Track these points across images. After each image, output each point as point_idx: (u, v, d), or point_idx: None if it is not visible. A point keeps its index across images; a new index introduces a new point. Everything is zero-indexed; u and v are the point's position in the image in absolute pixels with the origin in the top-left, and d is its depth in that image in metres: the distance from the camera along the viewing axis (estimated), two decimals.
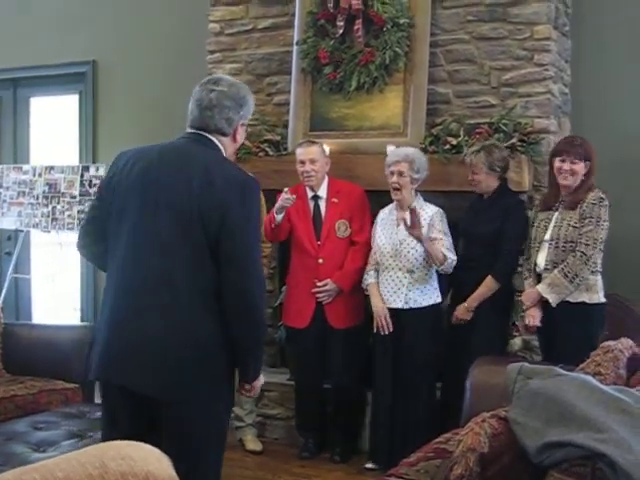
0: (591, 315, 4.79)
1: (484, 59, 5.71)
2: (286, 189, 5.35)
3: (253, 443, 5.76)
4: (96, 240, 3.26)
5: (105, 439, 2.32)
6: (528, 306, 4.88)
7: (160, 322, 3.01)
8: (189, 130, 3.26)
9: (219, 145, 3.22)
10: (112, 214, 3.15)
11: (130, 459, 1.72)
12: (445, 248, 5.15)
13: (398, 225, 5.27)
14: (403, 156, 5.21)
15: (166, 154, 3.18)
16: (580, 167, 4.79)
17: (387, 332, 5.23)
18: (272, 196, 5.70)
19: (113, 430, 3.09)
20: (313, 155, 5.47)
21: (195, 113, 3.22)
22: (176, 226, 3.02)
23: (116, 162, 3.26)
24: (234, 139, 3.27)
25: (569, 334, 4.73)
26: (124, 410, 3.10)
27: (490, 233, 5.12)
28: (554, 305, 4.75)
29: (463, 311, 5.16)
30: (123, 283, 3.11)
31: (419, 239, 5.06)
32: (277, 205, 5.37)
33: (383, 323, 5.23)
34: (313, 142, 5.58)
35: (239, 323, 3.06)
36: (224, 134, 3.22)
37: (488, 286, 5.12)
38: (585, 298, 4.75)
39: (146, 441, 1.91)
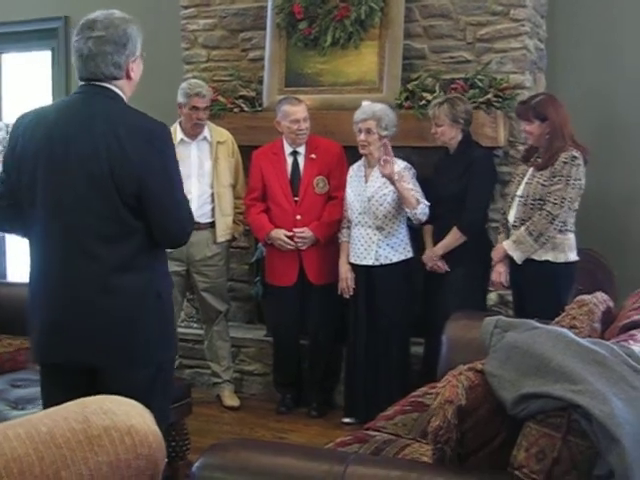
0: (556, 274, 4.79)
1: (460, 14, 5.69)
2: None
3: (230, 399, 5.79)
4: (12, 214, 3.14)
5: None
6: (495, 262, 4.92)
7: (86, 290, 2.98)
8: (81, 83, 3.11)
9: (116, 90, 3.08)
10: (23, 182, 3.05)
11: (112, 413, 1.73)
12: (412, 194, 5.14)
13: (366, 182, 5.28)
14: (370, 113, 5.20)
15: (65, 114, 3.06)
16: (534, 127, 4.79)
17: (348, 295, 5.32)
18: (245, 152, 5.70)
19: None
20: (305, 113, 5.47)
21: (79, 65, 3.06)
22: (89, 187, 2.95)
23: (16, 127, 3.14)
24: (128, 77, 3.11)
25: (534, 292, 4.78)
26: (63, 386, 3.05)
27: (456, 191, 5.12)
28: (519, 262, 4.79)
29: (428, 258, 5.22)
30: (45, 256, 3.07)
31: (390, 178, 5.04)
32: (273, 239, 5.49)
33: (343, 286, 5.32)
34: (299, 100, 5.55)
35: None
36: (116, 78, 3.07)
37: (454, 236, 5.15)
38: (550, 257, 4.76)
39: None
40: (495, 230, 5.27)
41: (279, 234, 5.45)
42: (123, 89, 3.12)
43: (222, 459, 2.56)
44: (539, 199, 4.74)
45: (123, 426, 1.72)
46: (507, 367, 2.41)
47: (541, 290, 4.75)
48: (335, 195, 5.52)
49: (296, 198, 5.52)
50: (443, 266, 5.19)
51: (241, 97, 6.17)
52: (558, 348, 2.37)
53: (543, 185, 4.74)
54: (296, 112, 5.45)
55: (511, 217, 4.90)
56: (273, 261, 5.68)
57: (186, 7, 6.53)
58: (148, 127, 3.05)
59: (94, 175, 2.94)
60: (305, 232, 5.44)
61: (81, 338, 3.02)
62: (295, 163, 5.56)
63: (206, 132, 5.55)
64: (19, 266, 7.98)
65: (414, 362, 5.39)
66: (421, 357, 5.40)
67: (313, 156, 5.52)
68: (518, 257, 4.78)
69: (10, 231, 3.38)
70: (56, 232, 3.01)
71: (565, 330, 2.58)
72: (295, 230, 5.45)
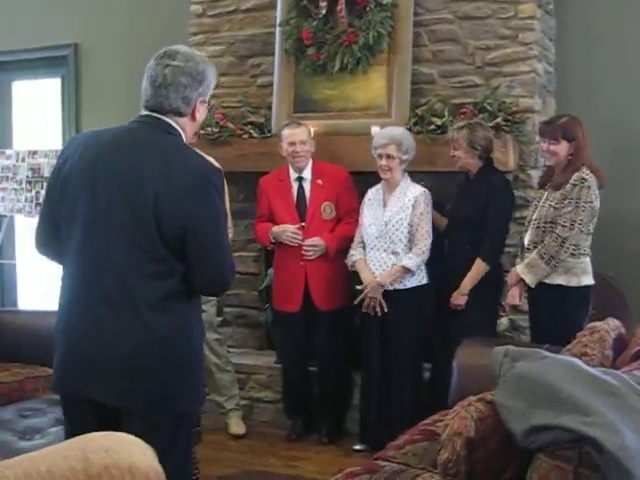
0: (569, 298, 4.74)
1: (468, 39, 5.69)
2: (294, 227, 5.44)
3: (236, 426, 5.74)
4: (53, 238, 3.03)
5: None
6: (509, 285, 4.89)
7: (117, 325, 2.84)
8: (143, 112, 3.00)
9: (177, 128, 2.97)
10: (64, 205, 2.94)
11: (113, 451, 1.70)
12: (421, 233, 5.16)
13: (385, 206, 5.26)
14: (390, 138, 5.18)
15: (118, 141, 2.95)
16: (560, 148, 4.76)
17: (380, 313, 5.23)
18: (254, 178, 5.70)
19: None
20: (303, 136, 5.47)
21: (149, 92, 2.95)
22: (131, 221, 2.82)
23: (66, 149, 3.04)
24: (193, 118, 3.01)
25: (547, 316, 4.75)
26: (87, 423, 2.84)
27: (474, 216, 5.09)
28: (532, 286, 4.76)
29: (457, 296, 5.13)
30: (77, 289, 2.94)
31: None
32: (279, 236, 5.48)
33: (375, 304, 5.22)
34: (299, 123, 5.58)
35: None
36: (181, 114, 2.97)
37: (478, 269, 5.09)
38: (562, 280, 4.72)
39: None
40: (509, 255, 5.25)
41: (282, 227, 5.46)
42: (185, 128, 3.01)
43: None
44: (550, 222, 4.73)
45: (123, 464, 1.69)
46: (517, 398, 2.38)
47: (554, 314, 4.71)
48: (346, 219, 5.52)
49: (303, 224, 5.50)
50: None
51: (250, 123, 6.16)
52: (568, 378, 2.34)
53: (555, 208, 4.72)
54: (293, 135, 5.46)
55: (526, 241, 4.89)
56: (278, 287, 5.66)
57: (195, 34, 6.55)
58: (205, 172, 2.92)
59: (138, 213, 2.82)
60: (316, 241, 5.42)
61: (104, 375, 2.87)
62: (301, 188, 5.55)
63: None
64: (29, 294, 8.00)
65: (424, 388, 5.34)
66: (428, 383, 5.36)
67: (320, 182, 5.51)
68: (530, 280, 4.75)
69: (45, 254, 3.17)
70: (91, 262, 2.89)
71: (576, 360, 2.55)
72: (307, 241, 5.44)
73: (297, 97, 6.10)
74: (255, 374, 6.07)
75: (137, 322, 2.84)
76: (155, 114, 2.96)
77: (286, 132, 5.52)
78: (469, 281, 5.10)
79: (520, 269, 4.79)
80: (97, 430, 2.58)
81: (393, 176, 5.23)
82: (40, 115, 8.15)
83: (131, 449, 1.73)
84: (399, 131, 5.26)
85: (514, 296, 4.87)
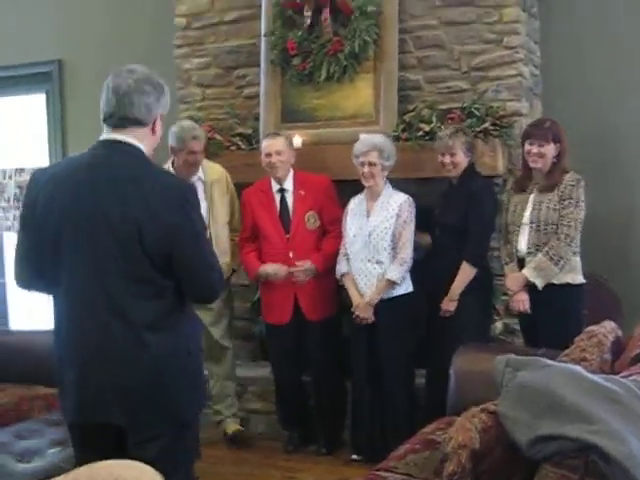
0: (576, 296, 4.82)
1: (453, 44, 5.69)
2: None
3: (234, 425, 5.77)
4: (35, 272, 3.07)
5: None
6: (515, 291, 4.87)
7: (115, 349, 2.92)
8: (106, 135, 3.05)
9: (139, 146, 3.02)
10: (46, 242, 2.99)
11: (122, 479, 1.69)
12: (403, 241, 5.15)
13: (368, 216, 5.25)
14: (371, 145, 5.17)
15: (91, 172, 2.99)
16: (548, 149, 4.80)
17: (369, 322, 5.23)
18: (244, 190, 5.69)
19: None
20: (278, 147, 5.41)
21: (112, 102, 2.99)
22: (117, 249, 2.90)
23: (33, 188, 3.06)
24: (153, 131, 3.08)
25: (555, 316, 4.75)
26: (93, 446, 3.03)
27: (457, 221, 5.08)
28: (540, 288, 4.75)
29: (447, 302, 5.12)
30: (71, 315, 3.01)
31: None
32: (261, 277, 5.49)
33: (364, 317, 5.21)
34: (277, 134, 5.55)
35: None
36: (143, 124, 3.02)
37: (465, 272, 5.08)
38: (569, 279, 4.79)
39: None
40: (496, 259, 5.24)
41: (266, 269, 5.44)
42: (144, 141, 3.05)
43: None
44: (552, 223, 4.76)
45: None
46: (520, 408, 2.37)
47: (563, 314, 4.75)
48: (330, 229, 5.50)
49: (287, 235, 5.47)
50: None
51: (238, 135, 6.15)
52: (571, 386, 2.34)
53: (555, 209, 4.76)
54: (268, 146, 5.43)
55: (522, 245, 4.88)
56: (267, 299, 5.64)
57: (179, 47, 6.53)
58: (177, 189, 3.01)
59: (122, 239, 2.90)
60: (306, 264, 5.40)
61: (107, 398, 2.95)
62: (283, 199, 5.52)
63: (200, 172, 5.50)
64: (21, 314, 7.95)
65: (418, 395, 5.33)
66: (423, 389, 5.35)
67: (302, 192, 5.48)
68: (540, 283, 4.76)
69: (33, 289, 3.23)
70: (82, 291, 2.96)
71: (577, 367, 2.54)
72: (297, 264, 5.41)
73: (284, 107, 6.08)
74: (250, 385, 6.05)
75: (135, 344, 2.92)
76: (115, 135, 3.02)
77: (263, 144, 5.52)
78: (458, 285, 5.09)
79: (528, 273, 4.78)
80: (111, 454, 2.72)
81: (376, 183, 5.20)
82: (25, 132, 8.11)
83: (140, 477, 1.71)
84: (379, 138, 5.24)
85: (523, 301, 4.85)
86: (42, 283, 3.10)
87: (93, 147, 3.08)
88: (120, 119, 3.01)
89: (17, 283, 3.15)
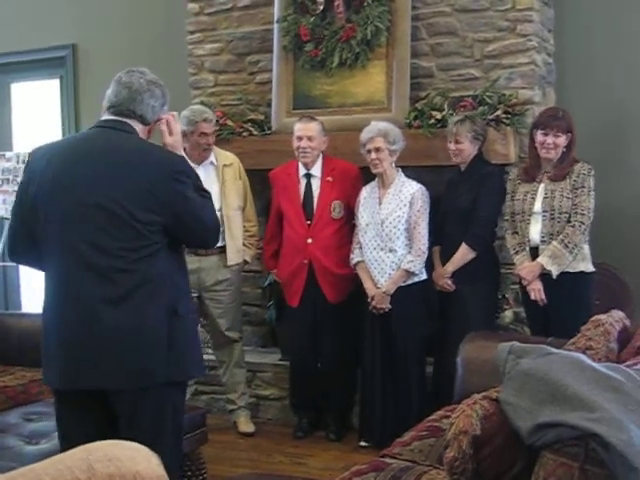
0: (589, 283, 4.86)
1: (466, 31, 5.67)
2: None
3: (246, 425, 5.73)
4: (27, 247, 3.19)
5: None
6: (529, 280, 4.85)
7: (97, 307, 3.00)
8: (107, 117, 3.18)
9: (133, 125, 3.16)
10: (39, 217, 3.08)
11: (117, 460, 1.69)
12: (418, 231, 5.15)
13: (380, 203, 5.24)
14: (376, 131, 5.17)
15: (83, 148, 3.13)
16: (562, 140, 4.81)
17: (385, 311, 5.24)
18: (255, 176, 5.69)
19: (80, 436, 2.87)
20: (311, 132, 5.41)
21: (123, 94, 3.13)
22: (109, 222, 3.00)
23: (30, 163, 3.19)
24: (148, 133, 3.24)
25: (568, 304, 4.75)
26: (78, 412, 3.14)
27: (466, 207, 5.11)
28: (555, 276, 4.75)
29: (438, 276, 5.18)
30: (60, 287, 3.09)
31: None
32: None
33: (381, 307, 5.21)
34: (313, 118, 5.51)
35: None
36: (145, 122, 3.18)
37: (462, 253, 5.12)
38: (582, 267, 4.81)
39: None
40: (503, 248, 5.23)
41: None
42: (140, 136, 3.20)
43: None
44: (565, 212, 4.77)
45: (128, 472, 1.69)
46: (522, 395, 2.37)
47: (578, 301, 4.75)
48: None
49: (308, 222, 5.46)
50: (451, 285, 5.14)
51: (250, 121, 6.16)
52: (573, 375, 2.33)
53: (568, 198, 4.76)
54: (300, 129, 5.42)
55: (535, 234, 4.86)
56: (284, 281, 5.64)
57: (192, 32, 6.54)
58: (170, 162, 3.11)
59: (114, 212, 2.99)
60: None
61: (91, 361, 3.03)
62: (308, 185, 5.50)
63: (212, 157, 5.50)
64: (33, 298, 7.99)
65: (428, 382, 5.34)
66: (430, 377, 5.37)
67: (330, 179, 5.46)
68: (555, 271, 4.76)
69: (26, 264, 3.41)
70: (73, 264, 3.03)
71: (580, 355, 2.53)
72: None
73: (296, 94, 6.08)
74: (260, 372, 6.06)
75: (118, 300, 3.01)
76: (121, 118, 3.15)
77: (296, 126, 5.47)
78: (451, 263, 5.14)
79: (544, 261, 4.77)
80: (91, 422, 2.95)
81: (384, 168, 5.20)
82: (39, 116, 8.14)
83: (135, 457, 1.72)
84: (383, 124, 5.24)
85: (539, 289, 4.84)
86: (32, 256, 3.19)
87: (92, 126, 3.23)
88: (128, 110, 3.14)
89: (9, 256, 3.28)
